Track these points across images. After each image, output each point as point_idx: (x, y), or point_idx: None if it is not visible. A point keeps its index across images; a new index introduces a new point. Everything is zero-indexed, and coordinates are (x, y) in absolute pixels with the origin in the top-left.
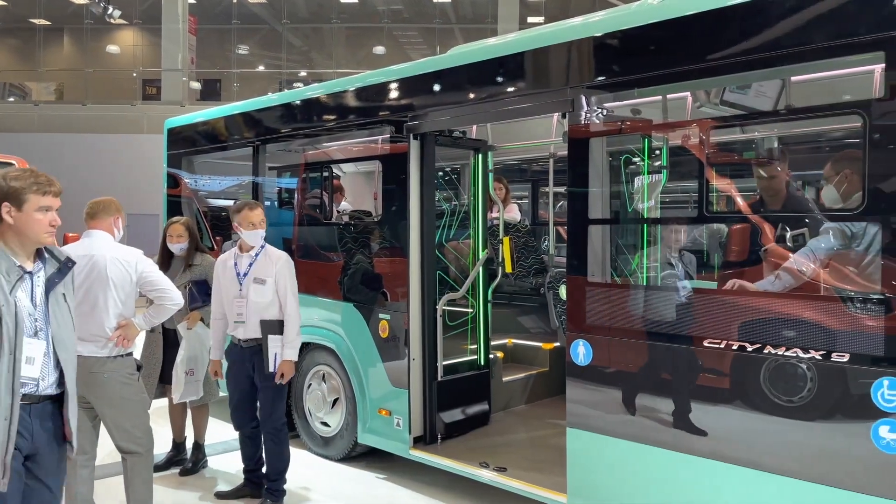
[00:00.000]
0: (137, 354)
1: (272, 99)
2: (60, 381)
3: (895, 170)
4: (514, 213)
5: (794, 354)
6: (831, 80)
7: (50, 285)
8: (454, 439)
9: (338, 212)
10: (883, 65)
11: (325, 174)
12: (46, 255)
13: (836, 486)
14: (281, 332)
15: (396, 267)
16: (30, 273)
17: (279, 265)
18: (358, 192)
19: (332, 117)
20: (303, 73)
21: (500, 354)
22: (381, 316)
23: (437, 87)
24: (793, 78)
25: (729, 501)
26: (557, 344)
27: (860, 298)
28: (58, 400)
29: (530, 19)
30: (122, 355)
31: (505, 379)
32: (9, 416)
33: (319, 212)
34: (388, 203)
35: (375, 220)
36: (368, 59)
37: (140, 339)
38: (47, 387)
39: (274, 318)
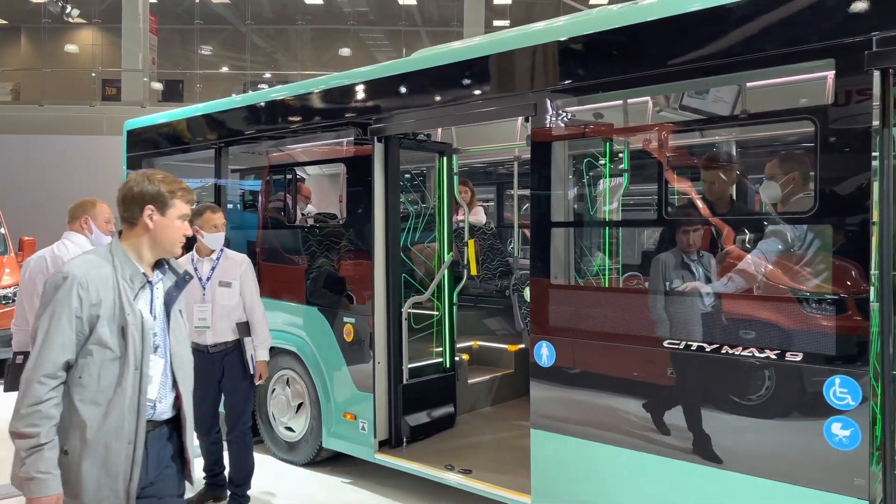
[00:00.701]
0: None
1: (236, 100)
2: (175, 404)
3: (846, 174)
4: (479, 216)
5: (751, 354)
6: (791, 85)
7: (170, 299)
8: (420, 442)
9: (302, 214)
10: (833, 72)
11: (290, 177)
12: (166, 267)
13: (792, 483)
14: (250, 334)
15: (361, 270)
16: (150, 283)
17: (244, 267)
18: (323, 195)
19: (297, 119)
20: (267, 75)
21: (465, 357)
22: (345, 319)
23: (401, 90)
24: (754, 83)
25: (690, 500)
26: (522, 345)
27: (812, 299)
28: (173, 425)
29: (496, 23)
30: None
31: (470, 381)
32: (133, 438)
33: (283, 215)
34: (352, 206)
35: (340, 223)
36: (334, 60)
37: None
38: (164, 410)
39: (241, 320)
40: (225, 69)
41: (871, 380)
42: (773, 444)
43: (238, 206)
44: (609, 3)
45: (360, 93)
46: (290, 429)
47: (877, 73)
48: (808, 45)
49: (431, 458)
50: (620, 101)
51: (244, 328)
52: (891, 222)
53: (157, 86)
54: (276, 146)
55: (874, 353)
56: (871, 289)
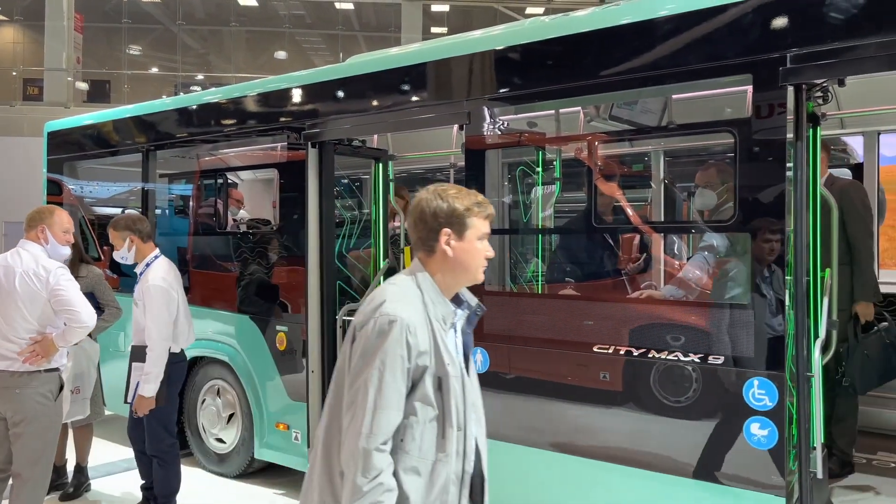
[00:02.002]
0: None
1: (165, 103)
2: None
3: (762, 184)
4: None
5: (677, 358)
6: (719, 98)
7: (467, 340)
8: None
9: (234, 220)
10: (751, 87)
11: (221, 181)
12: (465, 301)
13: (715, 482)
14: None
15: (294, 277)
16: (453, 323)
17: (147, 287)
18: (257, 201)
19: (229, 123)
20: (200, 77)
21: None
22: (278, 328)
23: (336, 96)
24: (685, 95)
25: (618, 501)
26: None
27: (732, 304)
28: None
29: (434, 29)
30: (39, 371)
31: None
32: None
33: (214, 220)
34: (285, 212)
35: (273, 229)
36: (270, 63)
37: None
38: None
39: (144, 343)
40: (155, 70)
41: (788, 381)
42: (698, 445)
43: (167, 211)
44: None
45: (295, 97)
46: (220, 440)
47: (791, 89)
48: (728, 61)
49: None
50: (553, 111)
51: (135, 352)
52: (804, 230)
53: (83, 86)
54: (208, 150)
55: (790, 356)
56: (787, 294)
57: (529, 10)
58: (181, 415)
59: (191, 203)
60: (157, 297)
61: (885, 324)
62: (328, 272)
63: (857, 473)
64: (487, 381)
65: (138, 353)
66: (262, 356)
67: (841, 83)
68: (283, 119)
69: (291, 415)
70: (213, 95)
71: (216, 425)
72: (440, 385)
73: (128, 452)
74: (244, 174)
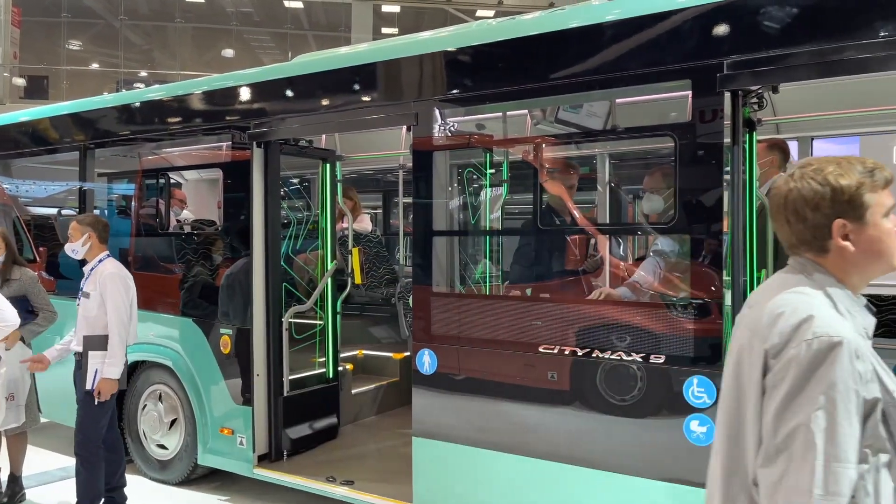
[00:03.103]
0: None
1: (106, 99)
2: None
3: (701, 187)
4: (364, 224)
5: (619, 358)
6: (664, 102)
7: None
8: (301, 455)
9: (177, 221)
10: (690, 92)
11: (163, 181)
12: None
13: (657, 479)
14: (105, 349)
15: (239, 279)
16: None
17: (102, 277)
18: (201, 201)
19: (173, 121)
20: (143, 74)
21: (349, 366)
22: (222, 331)
23: (281, 95)
24: (636, 99)
25: (567, 501)
26: (408, 353)
27: (673, 304)
28: None
29: (384, 30)
30: None
31: (354, 391)
32: None
33: (156, 221)
34: (230, 212)
35: (217, 230)
36: (217, 61)
37: None
38: None
39: (100, 333)
40: (95, 66)
41: None
42: (641, 443)
43: (106, 212)
44: (495, 17)
45: (240, 96)
46: (162, 446)
47: (728, 95)
48: (669, 66)
49: (313, 471)
50: (500, 114)
51: (89, 341)
52: (741, 232)
53: (20, 82)
54: (150, 149)
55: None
56: (725, 294)
57: (480, 13)
58: (121, 421)
59: (132, 203)
60: (116, 284)
61: None
62: (274, 274)
63: None
64: (436, 382)
65: (94, 342)
66: (206, 360)
67: (775, 90)
68: (227, 118)
69: (236, 419)
70: (156, 92)
71: (158, 431)
72: (886, 421)
73: (64, 461)
74: (188, 174)
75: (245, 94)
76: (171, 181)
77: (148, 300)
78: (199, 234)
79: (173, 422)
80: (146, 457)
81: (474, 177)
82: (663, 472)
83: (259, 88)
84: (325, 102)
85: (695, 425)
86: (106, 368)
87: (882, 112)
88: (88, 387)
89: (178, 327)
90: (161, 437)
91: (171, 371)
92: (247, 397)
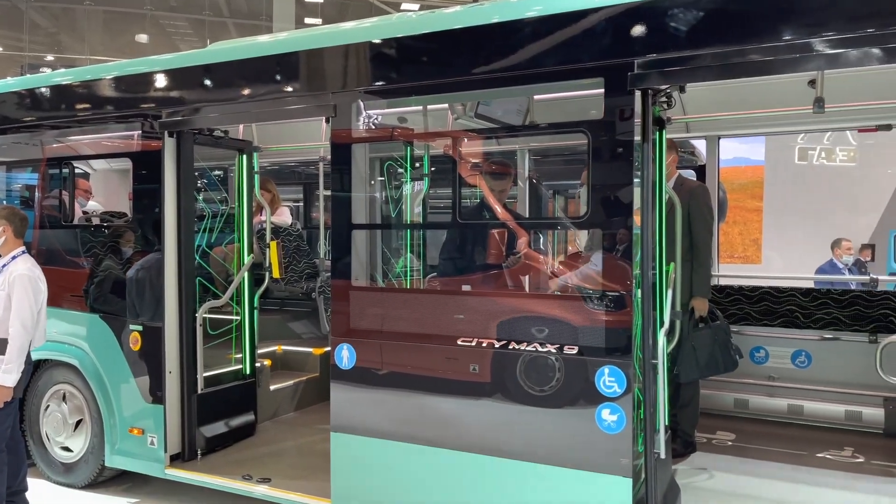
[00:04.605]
0: None
1: (8, 83)
2: None
3: (613, 182)
4: (284, 217)
5: (535, 349)
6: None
7: None
8: (216, 454)
9: (84, 213)
10: (603, 90)
11: (68, 171)
12: None
13: (570, 467)
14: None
15: (150, 274)
16: None
17: (13, 277)
18: (112, 192)
19: (79, 107)
20: (50, 58)
21: (267, 362)
22: (132, 327)
23: (194, 83)
24: (556, 96)
25: (486, 491)
26: (328, 349)
27: (585, 297)
28: None
29: (307, 20)
30: None
31: (273, 387)
32: None
33: (60, 213)
34: (141, 204)
35: (128, 222)
36: (130, 47)
37: None
38: None
39: (3, 336)
40: None
41: (636, 369)
42: (555, 433)
43: (5, 202)
44: (419, 10)
45: (151, 83)
46: (67, 449)
47: (638, 93)
48: (583, 64)
49: (229, 469)
50: (421, 108)
51: None
52: (650, 227)
53: None
54: (55, 137)
55: (637, 344)
56: (634, 286)
57: (405, 6)
58: (22, 422)
59: (36, 193)
60: (25, 287)
61: (718, 322)
62: (187, 268)
63: (698, 452)
64: (355, 377)
65: None
66: (115, 357)
67: (682, 89)
68: (138, 106)
69: (147, 419)
70: (63, 77)
71: (62, 433)
72: None
73: None
74: (97, 164)
75: (156, 81)
76: (78, 171)
77: (52, 296)
78: (108, 227)
79: (78, 423)
80: (49, 460)
81: (394, 170)
82: (576, 460)
83: (171, 76)
84: (240, 92)
85: (606, 414)
86: (1, 375)
87: (786, 113)
88: None
89: (85, 324)
90: (65, 439)
91: (76, 370)
92: (158, 396)
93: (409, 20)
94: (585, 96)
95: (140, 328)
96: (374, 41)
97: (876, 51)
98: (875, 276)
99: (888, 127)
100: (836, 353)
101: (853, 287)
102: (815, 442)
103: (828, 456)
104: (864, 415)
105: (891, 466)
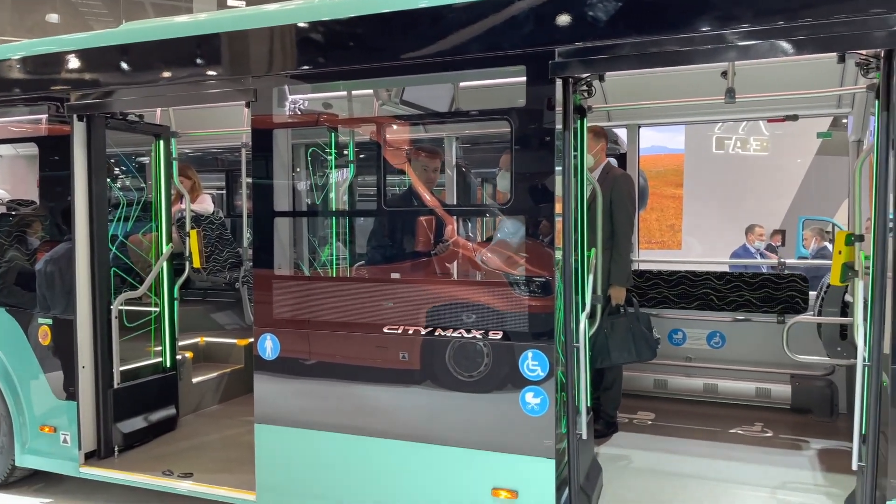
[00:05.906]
0: None
1: None
2: None
3: (535, 170)
4: (205, 205)
5: (461, 335)
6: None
7: None
8: (135, 450)
9: None
10: (525, 78)
11: None
12: None
13: (496, 451)
14: None
15: (60, 264)
16: None
17: None
18: (19, 179)
19: None
20: None
21: (189, 354)
22: (41, 321)
23: (105, 65)
24: (483, 83)
25: (412, 478)
26: (252, 339)
27: (509, 282)
28: None
29: (231, 2)
30: None
31: (195, 380)
32: None
33: None
34: (49, 191)
35: (35, 210)
36: (41, 26)
37: None
38: None
39: None
40: None
41: (559, 352)
42: (482, 417)
43: None
44: None
45: (58, 64)
46: None
47: (559, 82)
48: (506, 52)
49: (148, 466)
50: (345, 93)
51: None
52: (571, 213)
53: None
54: None
55: (559, 328)
56: (556, 272)
57: None
58: None
59: None
60: None
61: (632, 309)
62: (101, 257)
63: (620, 432)
64: (279, 367)
65: None
66: (23, 352)
67: (601, 78)
68: (44, 88)
69: (59, 416)
70: None
71: None
72: None
73: None
74: (3, 149)
75: (65, 62)
76: None
77: None
78: (13, 216)
79: None
80: None
81: (318, 157)
82: (502, 443)
83: (81, 56)
84: (155, 74)
85: (530, 397)
86: None
87: (702, 103)
88: None
89: None
90: None
91: None
92: (71, 392)
93: (334, 4)
94: (510, 84)
95: (50, 321)
96: (296, 24)
97: (784, 44)
98: (783, 260)
99: (795, 117)
100: (747, 333)
101: (764, 270)
102: (729, 419)
103: (740, 431)
104: (772, 392)
105: (797, 440)
